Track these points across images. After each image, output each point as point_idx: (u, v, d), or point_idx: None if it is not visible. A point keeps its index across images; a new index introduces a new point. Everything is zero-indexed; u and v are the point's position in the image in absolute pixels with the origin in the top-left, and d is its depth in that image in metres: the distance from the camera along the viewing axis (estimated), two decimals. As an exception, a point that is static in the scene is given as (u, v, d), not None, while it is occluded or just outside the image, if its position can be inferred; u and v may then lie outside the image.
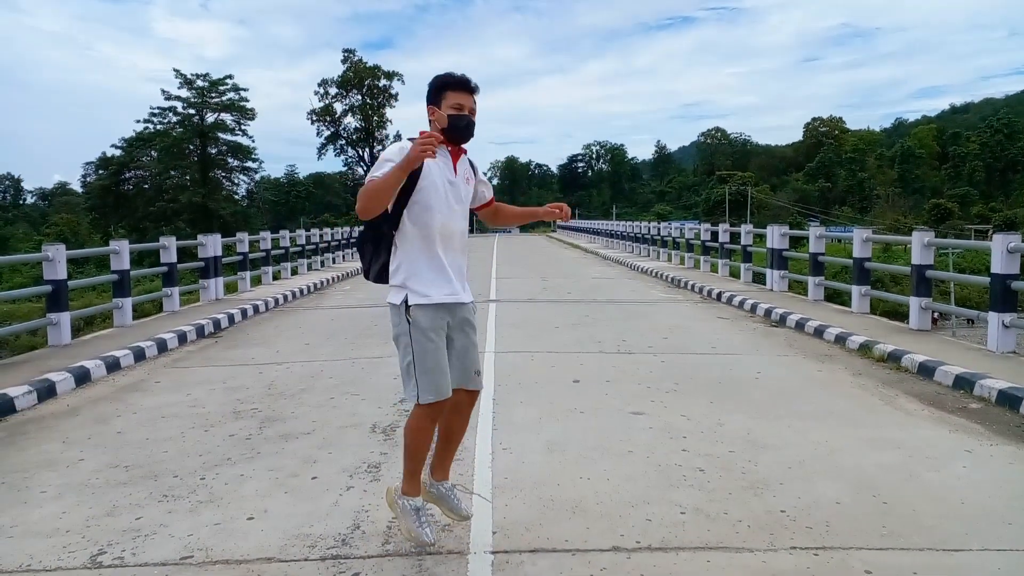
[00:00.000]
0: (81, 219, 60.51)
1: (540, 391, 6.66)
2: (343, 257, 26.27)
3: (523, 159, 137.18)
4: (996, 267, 8.10)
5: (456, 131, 3.32)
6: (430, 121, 3.35)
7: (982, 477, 4.54)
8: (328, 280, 18.74)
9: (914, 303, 9.66)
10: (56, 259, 9.30)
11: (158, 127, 60.46)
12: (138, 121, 61.08)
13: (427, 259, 3.37)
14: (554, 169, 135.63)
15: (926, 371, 7.19)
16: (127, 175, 61.94)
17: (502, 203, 3.85)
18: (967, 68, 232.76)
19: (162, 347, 9.13)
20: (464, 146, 3.50)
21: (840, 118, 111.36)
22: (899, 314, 11.22)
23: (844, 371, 7.55)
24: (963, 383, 6.63)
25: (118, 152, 60.96)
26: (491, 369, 7.56)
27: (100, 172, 62.91)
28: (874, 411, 6.07)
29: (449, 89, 3.28)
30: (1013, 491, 4.33)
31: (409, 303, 3.33)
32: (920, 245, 9.67)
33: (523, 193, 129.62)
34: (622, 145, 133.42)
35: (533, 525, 3.79)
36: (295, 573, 3.38)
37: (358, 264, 24.37)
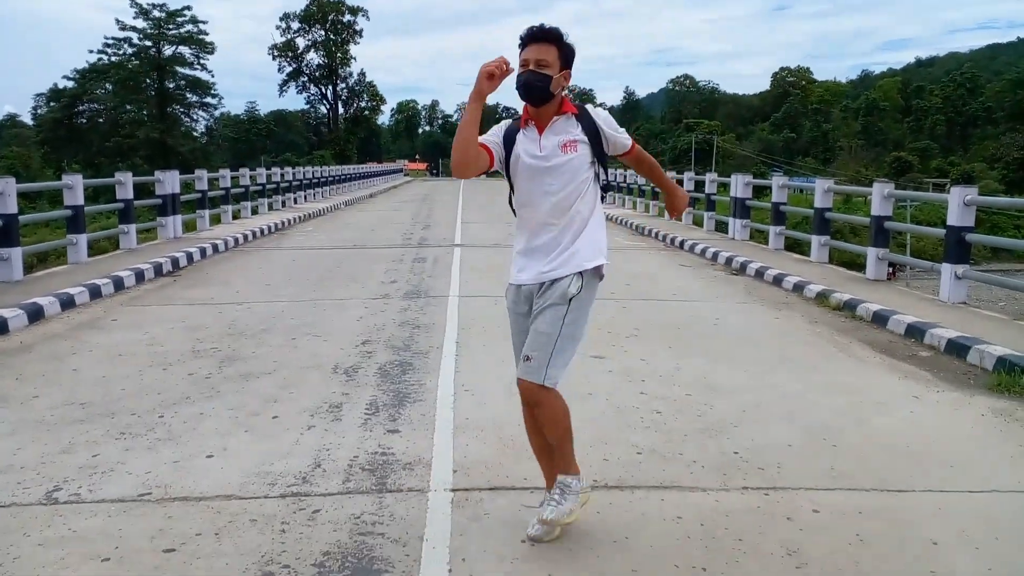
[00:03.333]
0: (32, 153, 58.28)
1: (503, 335, 6.67)
2: (305, 197, 25.82)
3: (491, 101, 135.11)
4: (952, 219, 8.23)
5: (520, 91, 3.00)
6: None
7: (928, 422, 4.70)
8: (290, 220, 18.45)
9: (871, 253, 9.84)
10: (6, 192, 9.00)
11: (112, 59, 58.09)
12: (91, 52, 58.57)
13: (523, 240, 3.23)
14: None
15: (880, 320, 7.36)
16: (80, 108, 59.61)
17: (644, 155, 3.46)
18: (933, 21, 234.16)
19: (119, 285, 8.96)
20: (560, 105, 3.19)
21: (808, 68, 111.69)
22: (857, 264, 11.42)
23: (801, 319, 7.70)
24: (914, 332, 6.81)
25: (70, 84, 58.59)
26: (455, 313, 7.57)
27: (51, 104, 60.47)
28: (828, 358, 6.22)
29: (520, 46, 2.95)
30: (956, 435, 4.50)
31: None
32: (880, 197, 9.80)
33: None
34: (591, 90, 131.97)
35: (492, 464, 3.85)
36: (255, 510, 3.39)
37: (321, 205, 24.06)
